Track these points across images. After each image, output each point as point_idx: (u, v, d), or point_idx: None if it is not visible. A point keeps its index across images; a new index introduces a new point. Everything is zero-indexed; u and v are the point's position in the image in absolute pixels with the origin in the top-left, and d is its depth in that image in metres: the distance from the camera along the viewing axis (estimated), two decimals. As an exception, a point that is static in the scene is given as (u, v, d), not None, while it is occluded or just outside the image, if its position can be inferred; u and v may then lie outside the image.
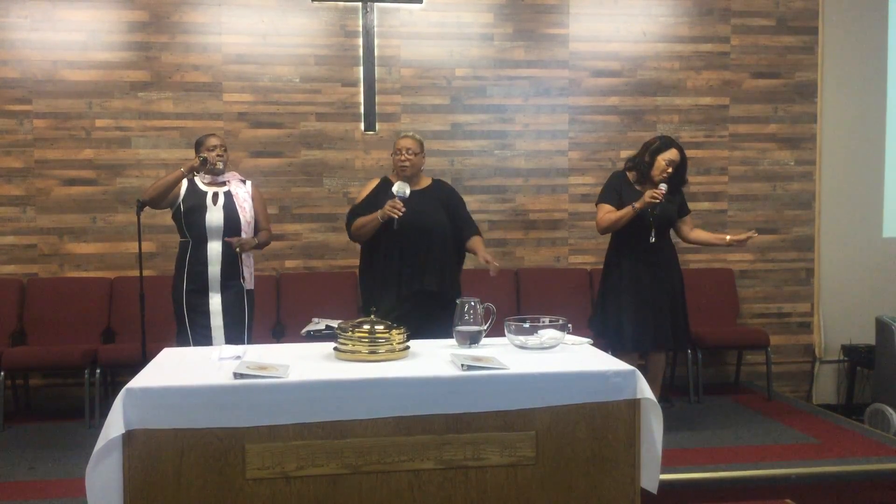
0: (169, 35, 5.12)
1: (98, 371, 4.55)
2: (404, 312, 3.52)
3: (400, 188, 3.74)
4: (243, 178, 4.04)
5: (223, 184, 3.92)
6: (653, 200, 3.82)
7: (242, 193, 3.92)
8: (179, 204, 3.84)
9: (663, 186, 3.87)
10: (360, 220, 3.85)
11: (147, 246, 4.95)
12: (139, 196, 3.93)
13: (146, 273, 4.65)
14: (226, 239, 3.79)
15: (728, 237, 4.05)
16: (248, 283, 3.88)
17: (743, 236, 3.96)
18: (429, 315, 3.62)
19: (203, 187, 3.88)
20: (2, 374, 4.50)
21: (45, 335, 4.85)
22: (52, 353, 4.60)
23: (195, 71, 5.15)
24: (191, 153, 5.15)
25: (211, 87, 5.16)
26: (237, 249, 3.79)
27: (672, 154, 3.94)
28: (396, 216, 3.68)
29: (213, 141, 3.91)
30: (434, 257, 3.82)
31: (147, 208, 3.84)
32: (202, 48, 5.15)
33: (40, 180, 5.06)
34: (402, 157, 3.87)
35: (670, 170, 3.93)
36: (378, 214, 3.74)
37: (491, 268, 3.69)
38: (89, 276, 5.08)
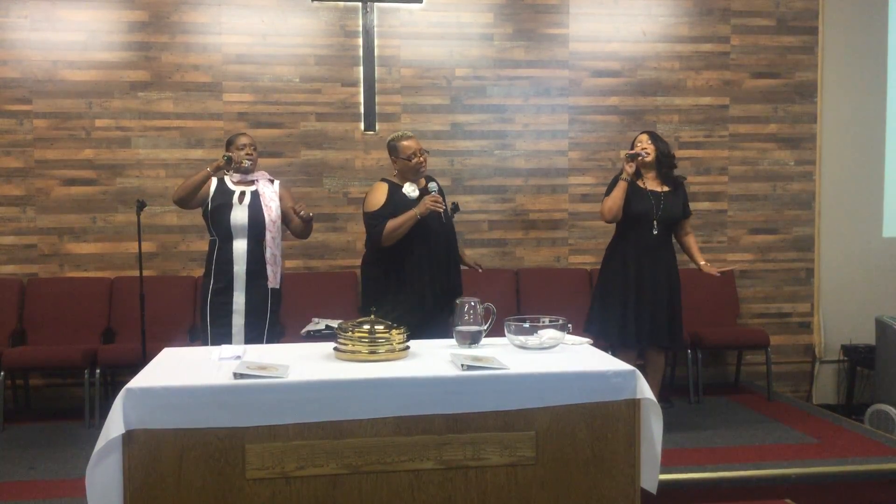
0: (169, 35, 5.12)
1: (98, 371, 4.55)
2: (436, 313, 3.63)
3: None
4: (272, 178, 4.04)
5: (251, 183, 3.93)
6: (627, 154, 4.09)
7: (269, 193, 3.91)
8: (208, 202, 3.85)
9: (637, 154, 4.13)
10: (394, 222, 3.72)
11: (147, 246, 4.95)
12: (140, 197, 3.93)
13: (146, 273, 4.65)
14: (294, 208, 3.83)
15: (703, 263, 4.18)
16: (272, 282, 3.86)
17: (716, 272, 4.14)
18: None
19: (232, 186, 3.90)
20: (2, 374, 4.50)
21: (45, 335, 4.85)
22: (52, 353, 4.60)
23: (195, 71, 5.15)
24: (191, 153, 5.20)
25: (211, 87, 5.16)
26: (301, 214, 3.79)
27: (640, 137, 4.19)
28: (442, 209, 3.72)
29: (243, 140, 3.92)
30: (455, 256, 3.92)
31: (147, 208, 3.83)
32: (202, 48, 5.15)
33: (40, 180, 5.06)
34: (422, 159, 3.82)
35: (639, 145, 4.14)
36: (416, 212, 3.69)
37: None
38: (89, 276, 5.08)
